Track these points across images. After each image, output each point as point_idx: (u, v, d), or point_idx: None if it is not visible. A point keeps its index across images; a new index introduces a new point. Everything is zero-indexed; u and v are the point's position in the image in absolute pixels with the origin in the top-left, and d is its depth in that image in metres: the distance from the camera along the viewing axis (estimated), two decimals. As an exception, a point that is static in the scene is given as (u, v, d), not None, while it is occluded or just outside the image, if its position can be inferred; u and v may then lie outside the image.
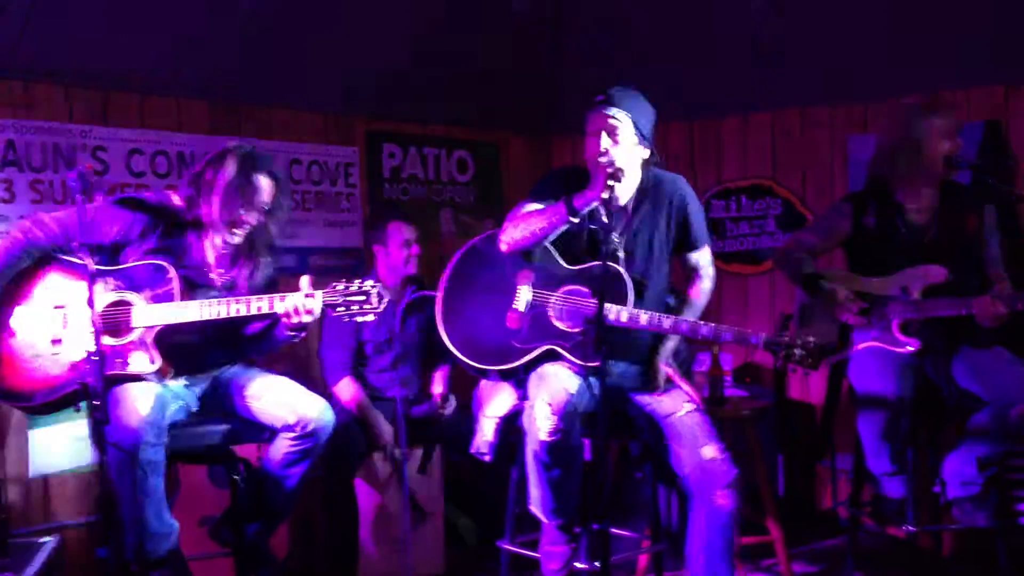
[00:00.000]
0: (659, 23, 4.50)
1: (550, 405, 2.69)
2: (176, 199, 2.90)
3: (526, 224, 2.88)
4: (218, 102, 3.95)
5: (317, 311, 2.71)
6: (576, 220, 2.80)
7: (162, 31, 3.69)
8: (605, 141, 2.80)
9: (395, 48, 4.31)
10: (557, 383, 2.74)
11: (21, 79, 3.51)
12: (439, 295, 3.02)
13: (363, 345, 3.80)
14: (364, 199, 4.52)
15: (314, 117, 4.35)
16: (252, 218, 2.86)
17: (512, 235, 2.91)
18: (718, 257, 4.69)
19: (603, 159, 2.75)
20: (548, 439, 2.69)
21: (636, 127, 2.83)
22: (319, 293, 2.72)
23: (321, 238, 4.36)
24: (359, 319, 2.74)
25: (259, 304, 2.73)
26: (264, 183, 2.85)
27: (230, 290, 2.89)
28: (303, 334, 2.81)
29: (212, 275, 2.86)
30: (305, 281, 2.74)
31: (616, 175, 2.70)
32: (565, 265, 2.92)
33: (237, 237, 2.88)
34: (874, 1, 3.97)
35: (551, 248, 2.94)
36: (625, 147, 2.82)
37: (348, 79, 4.32)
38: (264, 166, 2.88)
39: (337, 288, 2.73)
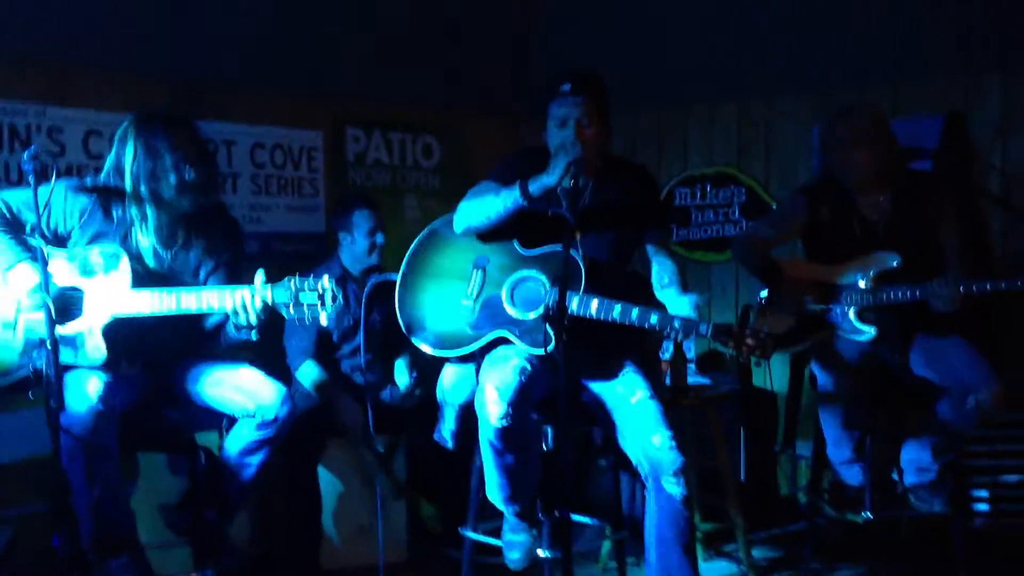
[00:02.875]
0: (629, 8, 4.50)
1: (499, 390, 2.67)
2: (101, 180, 2.81)
3: (480, 206, 2.86)
4: (179, 84, 3.88)
5: (264, 314, 2.61)
6: (529, 204, 2.77)
7: (121, 9, 3.62)
8: (570, 130, 2.79)
9: (360, 30, 4.27)
10: (506, 367, 2.72)
11: (-27, 58, 3.44)
12: (398, 280, 3.00)
13: (328, 333, 3.76)
14: (328, 184, 4.47)
15: (277, 100, 4.29)
16: (174, 198, 2.75)
17: (466, 217, 2.90)
18: (683, 245, 4.76)
19: (568, 148, 2.73)
20: (498, 424, 2.67)
21: (600, 115, 2.83)
22: (269, 288, 2.62)
23: (284, 223, 4.31)
24: (310, 321, 2.64)
25: (208, 298, 2.65)
26: (168, 143, 2.72)
27: (173, 276, 2.82)
28: (253, 335, 2.70)
29: (150, 260, 2.78)
30: (259, 276, 2.64)
31: (579, 163, 2.69)
32: (520, 250, 2.91)
33: (165, 214, 2.78)
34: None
35: (507, 231, 2.91)
36: (589, 135, 2.81)
37: (312, 62, 4.26)
38: (168, 126, 2.74)
39: (291, 285, 2.62)
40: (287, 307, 2.62)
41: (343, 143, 4.56)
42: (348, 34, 4.26)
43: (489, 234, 2.92)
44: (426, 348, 2.93)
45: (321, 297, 2.62)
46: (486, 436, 2.73)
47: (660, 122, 4.87)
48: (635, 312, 2.69)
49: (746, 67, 4.47)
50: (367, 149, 4.66)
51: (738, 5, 4.33)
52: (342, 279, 3.75)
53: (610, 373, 2.90)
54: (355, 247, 3.80)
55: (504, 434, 2.69)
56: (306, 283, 2.63)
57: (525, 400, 2.71)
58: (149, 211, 2.75)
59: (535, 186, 2.75)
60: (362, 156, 4.64)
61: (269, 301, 2.61)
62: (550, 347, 2.58)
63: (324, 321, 2.65)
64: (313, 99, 4.42)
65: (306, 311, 2.62)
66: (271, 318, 2.66)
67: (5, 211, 2.70)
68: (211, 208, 2.93)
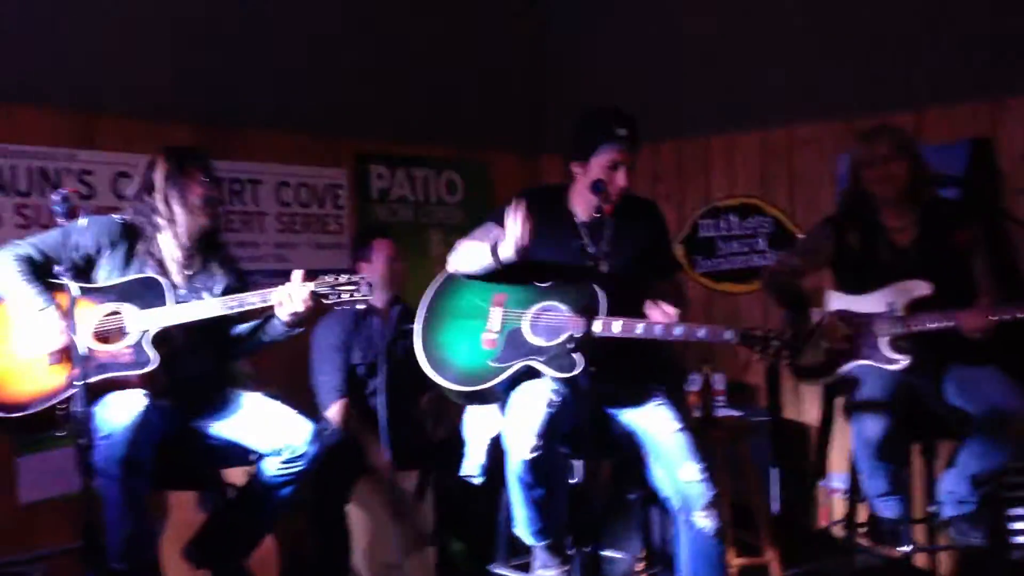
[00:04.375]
0: (648, 41, 4.52)
1: (528, 422, 2.66)
2: (127, 217, 2.93)
3: (466, 258, 2.97)
4: (205, 125, 3.94)
5: (310, 300, 2.73)
6: (502, 267, 2.85)
7: (148, 53, 3.68)
8: (624, 175, 2.86)
9: (383, 69, 4.32)
10: (535, 400, 2.71)
11: (5, 103, 3.50)
12: (418, 323, 3.04)
13: (355, 368, 3.76)
14: (352, 221, 4.50)
15: (302, 139, 4.34)
16: (196, 211, 2.89)
17: (456, 263, 3.01)
18: (709, 275, 4.73)
19: (615, 196, 2.77)
20: (528, 456, 2.66)
21: (637, 158, 2.92)
22: (311, 283, 2.75)
23: (309, 260, 4.34)
24: (350, 307, 2.77)
25: (251, 299, 2.75)
26: (198, 175, 2.90)
27: (197, 296, 2.91)
28: (299, 329, 2.83)
29: (176, 276, 2.88)
30: (297, 274, 2.76)
31: (614, 203, 2.72)
32: (536, 283, 2.94)
33: (191, 226, 2.89)
34: (860, 19, 3.99)
35: (522, 267, 2.94)
36: (627, 181, 2.89)
37: (336, 101, 4.31)
38: (195, 159, 2.93)
39: (327, 279, 2.75)
40: (327, 296, 2.74)
41: (367, 180, 4.60)
42: (371, 73, 4.31)
43: (503, 273, 2.94)
44: (451, 386, 2.93)
45: (357, 285, 2.73)
46: (515, 470, 2.71)
47: (680, 154, 4.88)
48: (658, 328, 2.71)
49: (767, 96, 4.46)
50: (391, 186, 4.69)
51: (758, 35, 4.33)
52: (366, 312, 3.75)
53: (639, 404, 2.88)
54: (376, 276, 3.81)
55: (533, 466, 2.67)
56: (341, 277, 2.76)
57: (553, 432, 2.69)
58: (179, 219, 2.87)
59: (504, 253, 2.82)
60: (386, 192, 4.67)
61: (313, 289, 2.73)
62: (579, 368, 2.68)
63: (361, 307, 2.78)
64: (337, 137, 4.47)
65: (346, 298, 2.73)
66: (316, 307, 2.77)
67: (37, 256, 2.75)
68: (220, 237, 3.08)
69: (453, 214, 4.93)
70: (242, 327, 2.94)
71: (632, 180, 2.96)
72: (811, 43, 4.17)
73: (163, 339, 2.74)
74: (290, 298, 2.73)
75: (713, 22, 4.31)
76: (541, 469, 2.69)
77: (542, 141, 5.13)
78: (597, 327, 2.71)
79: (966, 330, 3.07)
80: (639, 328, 2.73)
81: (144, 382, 2.69)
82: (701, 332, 2.69)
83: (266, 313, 2.82)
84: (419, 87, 4.49)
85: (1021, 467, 3.60)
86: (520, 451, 2.66)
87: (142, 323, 2.73)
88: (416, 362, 3.76)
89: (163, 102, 3.82)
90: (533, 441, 2.64)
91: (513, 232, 2.76)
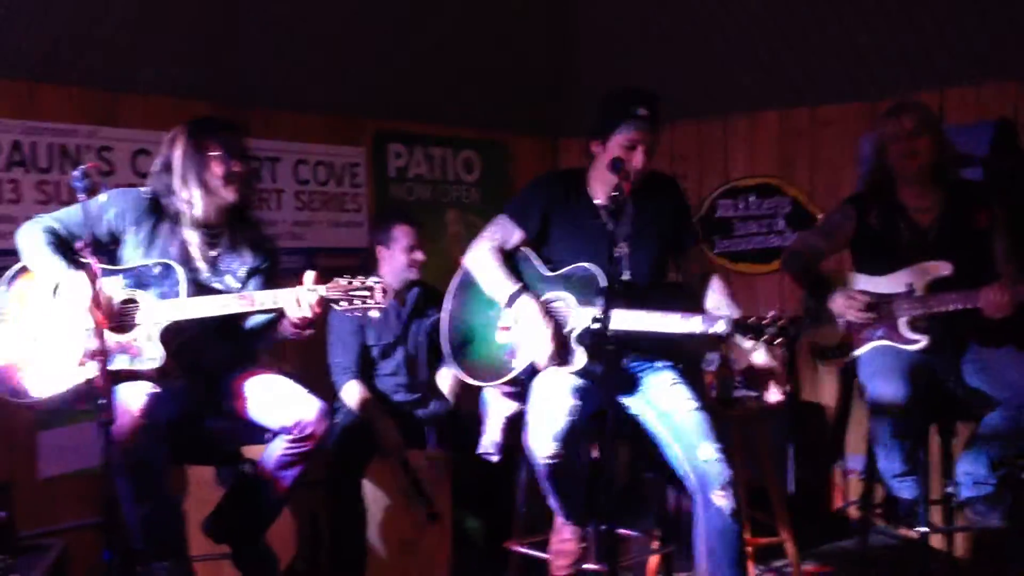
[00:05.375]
0: (668, 21, 4.48)
1: (549, 429, 2.69)
2: (150, 191, 2.88)
3: (481, 276, 2.99)
4: (223, 103, 3.94)
5: (319, 307, 2.67)
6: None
7: (169, 33, 3.68)
8: (643, 155, 2.84)
9: (401, 48, 4.30)
10: (556, 407, 2.73)
11: (27, 80, 3.51)
12: (445, 310, 3.07)
13: (369, 349, 3.77)
14: (370, 199, 4.51)
15: (320, 118, 4.34)
16: (217, 190, 2.82)
17: (470, 264, 3.03)
18: (726, 255, 4.71)
19: (621, 168, 2.75)
20: (549, 462, 2.70)
21: (659, 138, 2.90)
22: (321, 287, 2.69)
23: (327, 239, 4.35)
24: (363, 314, 2.70)
25: (262, 300, 2.71)
26: (217, 150, 2.82)
27: (219, 277, 2.88)
28: (308, 331, 2.76)
29: (198, 258, 2.84)
30: (309, 276, 2.70)
31: (633, 183, 2.73)
32: (546, 272, 2.94)
33: (212, 205, 2.84)
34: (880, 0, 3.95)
35: (532, 255, 2.99)
36: (648, 160, 2.87)
37: (354, 79, 4.31)
38: (214, 134, 2.84)
39: (340, 283, 2.69)
40: (339, 303, 2.68)
41: (385, 159, 4.60)
42: (389, 52, 4.29)
43: (514, 261, 2.98)
44: (469, 380, 3.00)
45: (371, 291, 2.67)
46: (538, 469, 2.76)
47: (700, 133, 4.85)
48: (656, 318, 2.70)
49: (788, 76, 4.42)
50: (408, 164, 4.69)
51: (779, 13, 4.29)
52: (382, 294, 3.76)
53: (656, 384, 2.88)
54: (394, 262, 3.81)
55: (554, 469, 2.72)
56: (356, 280, 2.70)
57: (575, 436, 2.72)
58: (196, 201, 2.81)
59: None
60: (404, 171, 4.67)
61: (324, 295, 2.68)
62: (579, 363, 2.73)
63: (375, 314, 2.71)
64: (355, 115, 4.46)
65: (358, 305, 2.68)
66: (325, 313, 2.73)
67: (60, 229, 2.76)
68: (250, 215, 3.01)
69: (471, 193, 4.93)
70: (256, 320, 2.89)
71: (653, 160, 2.95)
72: (834, 23, 4.12)
73: (175, 331, 2.72)
74: (298, 303, 2.66)
75: (735, 3, 4.26)
76: (561, 470, 2.73)
77: (561, 123, 5.10)
78: (597, 320, 2.70)
79: (987, 311, 3.05)
80: (635, 320, 2.72)
81: (153, 375, 2.69)
82: (695, 323, 2.68)
83: (280, 309, 2.74)
84: (439, 66, 4.47)
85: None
86: (543, 456, 2.70)
87: (153, 315, 2.70)
88: (432, 344, 3.81)
89: (183, 80, 3.83)
90: (554, 448, 2.68)
91: (542, 349, 2.79)
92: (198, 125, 2.88)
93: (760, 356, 2.89)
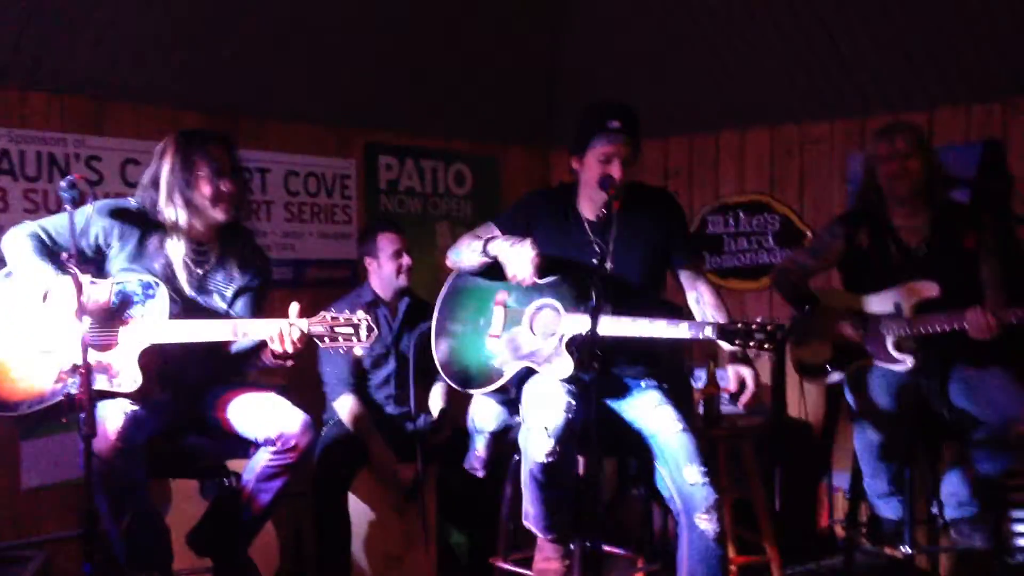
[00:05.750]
0: (657, 37, 4.49)
1: (547, 428, 2.67)
2: (138, 203, 2.83)
3: (462, 252, 3.01)
4: (213, 113, 3.94)
5: (301, 343, 2.65)
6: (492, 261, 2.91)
7: (158, 41, 3.68)
8: (618, 168, 2.82)
9: (393, 59, 4.30)
10: (554, 404, 2.72)
11: (16, 88, 3.50)
12: (434, 319, 3.06)
13: (360, 360, 3.76)
14: (360, 211, 4.50)
15: (311, 129, 4.34)
16: (207, 207, 2.77)
17: (452, 260, 3.06)
18: (716, 272, 4.72)
19: (611, 185, 2.75)
20: (545, 460, 2.67)
21: (637, 149, 2.88)
22: (304, 322, 2.66)
23: (316, 250, 4.34)
24: (345, 351, 2.70)
25: (244, 328, 2.68)
26: (205, 170, 2.75)
27: (206, 296, 2.84)
28: (290, 363, 2.72)
29: (182, 277, 2.79)
30: (294, 309, 2.68)
31: (610, 192, 2.72)
32: (536, 280, 2.91)
33: (199, 225, 2.80)
34: (873, 18, 3.96)
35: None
36: (627, 168, 2.84)
37: (346, 90, 4.31)
38: (202, 150, 2.76)
39: (325, 318, 2.67)
40: (322, 339, 2.67)
41: (376, 170, 4.60)
42: (381, 63, 4.29)
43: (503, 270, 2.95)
44: (459, 387, 2.99)
45: (356, 329, 2.65)
46: (531, 471, 2.73)
47: (691, 151, 4.86)
48: (643, 323, 2.70)
49: (778, 94, 4.44)
50: (399, 176, 4.68)
51: (768, 33, 4.31)
52: (373, 304, 3.75)
53: (643, 403, 2.88)
54: (382, 271, 3.80)
55: (549, 469, 2.69)
56: (341, 316, 2.68)
57: (571, 436, 2.71)
58: (182, 221, 2.77)
59: (493, 251, 2.89)
60: (395, 183, 4.67)
61: (306, 331, 2.65)
62: (570, 370, 2.72)
63: (359, 351, 2.67)
64: (346, 127, 4.46)
65: (341, 343, 2.66)
66: (307, 348, 2.70)
67: (45, 238, 2.74)
68: (242, 229, 2.96)
69: (461, 206, 4.93)
70: (242, 345, 2.85)
71: (639, 174, 2.94)
72: (824, 42, 4.14)
73: (155, 353, 2.68)
74: (280, 337, 2.63)
75: (726, 19, 4.28)
76: (557, 471, 2.71)
77: (552, 136, 5.11)
78: (586, 327, 2.70)
79: (973, 333, 3.06)
80: (623, 326, 2.72)
81: (133, 396, 2.66)
82: (682, 330, 2.68)
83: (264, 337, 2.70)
84: (430, 79, 4.48)
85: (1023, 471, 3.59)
86: (539, 455, 2.68)
87: (134, 336, 2.67)
88: (422, 355, 3.80)
89: (173, 89, 3.82)
90: (551, 445, 2.66)
91: (520, 261, 2.79)
92: (188, 139, 2.81)
93: (732, 373, 2.88)
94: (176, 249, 2.78)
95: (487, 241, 2.91)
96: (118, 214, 2.79)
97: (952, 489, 3.24)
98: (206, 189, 2.76)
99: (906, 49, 3.99)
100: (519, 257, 2.80)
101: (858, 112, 4.27)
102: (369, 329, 2.66)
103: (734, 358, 2.84)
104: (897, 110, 4.08)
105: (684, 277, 3.00)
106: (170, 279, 2.76)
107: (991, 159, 3.91)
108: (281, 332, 2.63)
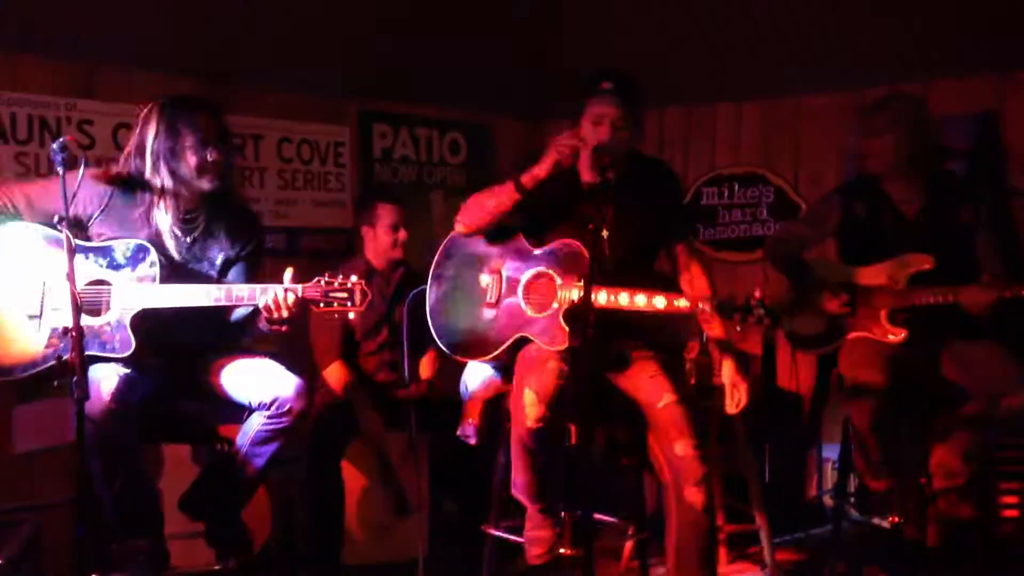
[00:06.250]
0: (655, 8, 4.46)
1: (537, 393, 2.67)
2: (124, 170, 2.81)
3: (477, 204, 2.92)
4: (206, 78, 3.90)
5: (296, 307, 2.64)
6: (524, 197, 2.81)
7: (152, 5, 3.64)
8: (607, 129, 2.80)
9: (388, 28, 4.27)
10: (546, 370, 2.72)
11: (6, 51, 3.47)
12: (428, 286, 3.04)
13: (353, 330, 3.76)
14: (354, 179, 4.48)
15: (305, 96, 4.31)
16: (192, 179, 2.75)
17: (467, 218, 2.96)
18: (710, 244, 4.72)
19: (601, 148, 2.73)
20: (536, 426, 2.68)
21: (634, 117, 2.85)
22: (300, 287, 2.66)
23: (310, 218, 4.33)
24: (339, 316, 2.70)
25: (239, 293, 2.67)
26: (191, 138, 2.72)
27: (195, 264, 2.82)
28: (285, 328, 2.71)
29: (171, 245, 2.77)
30: (288, 274, 2.67)
31: (608, 162, 2.69)
32: (532, 249, 2.92)
33: (185, 194, 2.78)
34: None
35: (522, 235, 2.96)
36: (620, 136, 2.82)
37: (340, 58, 4.27)
38: (190, 117, 2.74)
39: (320, 283, 2.67)
40: (317, 303, 2.66)
41: (370, 138, 4.57)
42: (375, 31, 4.26)
43: (499, 236, 2.94)
44: (455, 356, 2.98)
45: (350, 293, 2.65)
46: (520, 437, 2.73)
47: (687, 122, 4.84)
48: (641, 297, 2.69)
49: (774, 66, 4.42)
50: (394, 145, 4.66)
51: (764, 3, 4.29)
52: (367, 273, 3.74)
53: (636, 373, 2.88)
54: (378, 242, 3.80)
55: (540, 435, 2.70)
56: (336, 281, 2.67)
57: (562, 403, 2.71)
58: (168, 190, 2.75)
59: (526, 178, 2.80)
60: (389, 152, 4.64)
61: (300, 295, 2.65)
62: (566, 341, 2.71)
63: (352, 316, 2.69)
64: (341, 94, 4.43)
65: (336, 307, 2.66)
66: (302, 313, 2.69)
67: (19, 197, 2.74)
68: (231, 196, 2.94)
69: (456, 176, 4.91)
70: (240, 313, 2.84)
71: (638, 143, 2.93)
72: (821, 13, 4.12)
73: (148, 318, 2.67)
74: (275, 302, 2.62)
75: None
76: (548, 437, 2.72)
77: (547, 106, 5.08)
78: (583, 297, 2.69)
79: (967, 307, 3.07)
80: (623, 298, 2.72)
81: (124, 361, 2.66)
82: (680, 303, 2.68)
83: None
84: (425, 47, 4.44)
85: (1012, 443, 3.62)
86: (531, 420, 2.68)
87: (125, 300, 2.66)
88: (416, 324, 3.79)
89: (166, 53, 3.78)
90: (543, 411, 2.67)
91: (559, 147, 2.73)
92: (173, 106, 2.77)
93: (726, 373, 2.90)
94: (163, 217, 2.76)
95: (515, 178, 2.83)
96: (105, 179, 2.77)
97: (940, 460, 3.26)
98: (192, 159, 2.74)
99: (902, 21, 3.97)
100: (556, 146, 2.75)
101: (854, 84, 4.25)
102: (363, 294, 2.66)
103: (725, 350, 2.84)
104: (894, 82, 4.06)
105: (678, 253, 3.00)
106: (158, 246, 2.75)
107: (987, 131, 3.91)
108: (276, 297, 2.62)
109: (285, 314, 2.64)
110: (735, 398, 2.90)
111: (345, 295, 2.66)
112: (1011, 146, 3.89)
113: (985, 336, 3.19)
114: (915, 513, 3.52)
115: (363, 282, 2.69)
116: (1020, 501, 3.65)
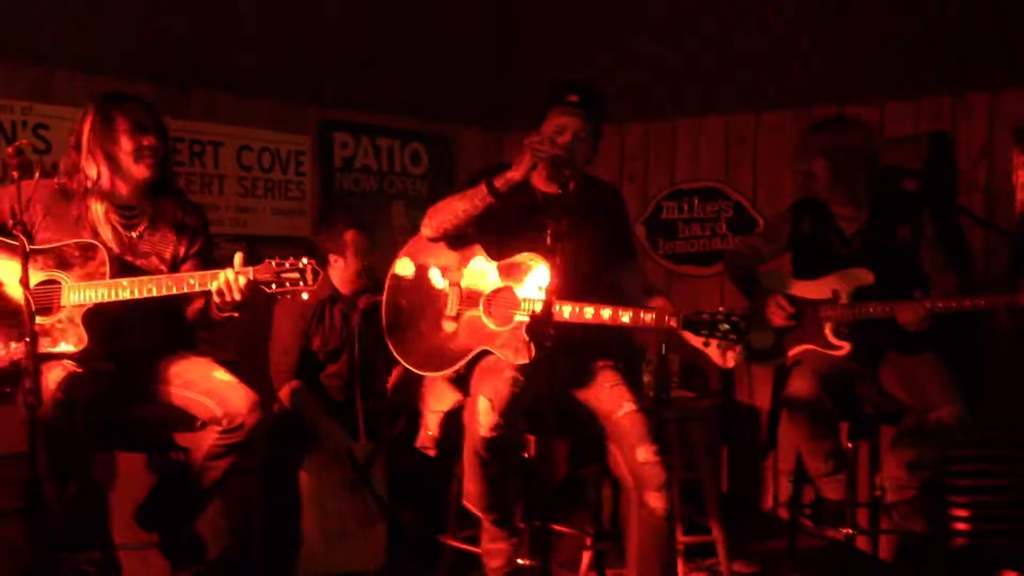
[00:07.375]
0: (617, 23, 4.51)
1: (492, 400, 2.67)
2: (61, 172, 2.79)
3: (447, 207, 2.88)
4: (165, 84, 3.87)
5: (248, 290, 2.61)
6: (496, 201, 2.79)
7: (109, 11, 3.61)
8: (569, 140, 2.80)
9: (350, 36, 4.27)
10: (499, 379, 2.72)
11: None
12: (383, 302, 3.02)
13: (314, 353, 3.70)
14: (315, 188, 4.46)
15: (265, 104, 4.28)
16: (128, 166, 2.73)
17: (435, 222, 2.91)
18: (669, 258, 4.76)
19: (535, 146, 2.73)
20: (489, 435, 2.67)
21: (594, 133, 2.88)
22: (250, 269, 2.62)
23: (269, 226, 4.30)
24: (292, 296, 2.67)
25: (191, 281, 2.64)
26: (124, 124, 2.72)
27: (142, 260, 2.80)
28: (237, 314, 2.69)
29: (112, 247, 2.74)
30: (238, 258, 2.64)
31: (569, 175, 2.69)
32: (487, 262, 2.92)
33: (123, 183, 2.76)
34: (825, 12, 4.03)
35: (481, 248, 2.95)
36: (583, 147, 2.84)
37: (301, 66, 4.26)
38: (122, 106, 2.74)
39: (271, 264, 2.63)
40: (269, 285, 2.62)
41: (331, 148, 4.55)
42: (338, 40, 4.26)
43: (458, 249, 2.93)
44: (416, 371, 2.96)
45: (302, 273, 2.61)
46: (474, 446, 2.72)
47: (647, 137, 4.89)
48: (607, 311, 2.71)
49: (733, 83, 4.49)
50: (355, 154, 4.65)
51: (725, 22, 4.35)
52: (331, 299, 3.69)
53: (596, 384, 2.89)
54: (347, 269, 3.69)
55: (493, 444, 2.69)
56: (287, 262, 2.64)
57: (516, 412, 2.71)
58: (104, 180, 2.72)
59: (499, 182, 2.78)
60: (350, 161, 4.63)
61: (251, 278, 2.61)
62: (531, 355, 2.70)
63: (305, 296, 2.66)
64: (301, 103, 4.41)
65: (288, 287, 2.62)
66: (254, 297, 2.65)
67: None
68: (172, 191, 2.91)
69: (417, 186, 4.90)
70: (196, 308, 2.81)
71: (597, 161, 2.95)
72: (779, 33, 4.20)
73: (100, 313, 2.65)
74: (228, 287, 2.59)
75: (685, 6, 4.32)
76: (500, 448, 2.71)
77: (509, 117, 5.10)
78: (546, 310, 2.69)
79: (901, 321, 3.15)
80: (588, 312, 2.73)
81: (76, 359, 2.62)
82: (648, 317, 2.69)
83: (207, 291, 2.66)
84: (387, 56, 4.45)
85: (964, 455, 3.69)
86: (484, 429, 2.67)
87: (75, 297, 2.63)
88: (376, 339, 3.76)
89: (124, 58, 3.74)
90: (496, 420, 2.66)
91: (532, 150, 2.71)
92: (106, 97, 2.78)
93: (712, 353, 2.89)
94: (99, 211, 2.74)
95: (487, 182, 2.80)
96: (43, 189, 2.72)
97: (891, 472, 3.32)
98: (127, 144, 2.72)
99: (858, 42, 4.06)
100: (532, 148, 2.72)
101: (810, 103, 4.33)
102: (315, 272, 2.62)
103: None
104: (848, 102, 4.15)
105: (624, 272, 3.02)
106: (101, 243, 2.72)
107: (939, 152, 4.00)
108: (228, 280, 2.59)
109: (237, 297, 2.60)
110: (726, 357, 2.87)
111: (297, 275, 2.61)
112: (961, 166, 3.98)
113: (926, 350, 3.26)
114: (869, 525, 3.58)
115: (315, 261, 2.65)
116: (972, 515, 3.73)
